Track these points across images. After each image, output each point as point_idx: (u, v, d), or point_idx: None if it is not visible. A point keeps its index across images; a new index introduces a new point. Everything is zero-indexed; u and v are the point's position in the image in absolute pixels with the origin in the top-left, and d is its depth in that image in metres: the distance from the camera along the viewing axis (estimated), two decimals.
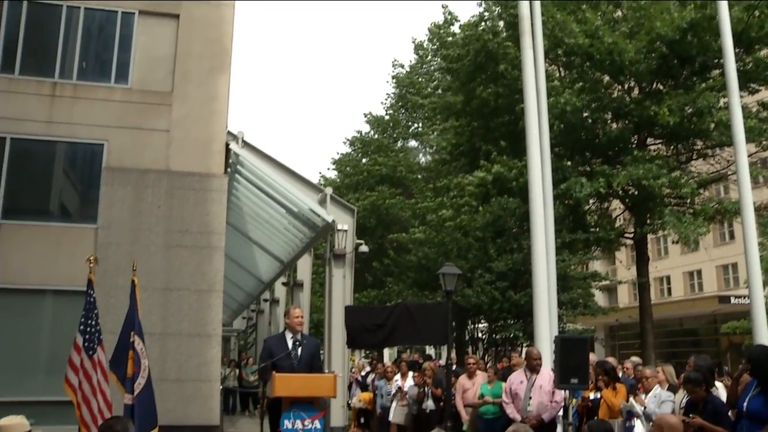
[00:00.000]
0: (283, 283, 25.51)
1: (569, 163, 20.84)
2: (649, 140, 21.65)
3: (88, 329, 7.06)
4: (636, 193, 20.75)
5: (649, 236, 23.27)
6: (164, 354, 13.47)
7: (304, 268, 22.68)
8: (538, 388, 9.30)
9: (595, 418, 8.79)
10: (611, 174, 19.17)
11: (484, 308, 19.79)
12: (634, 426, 8.35)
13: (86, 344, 6.99)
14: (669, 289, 42.05)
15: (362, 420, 15.95)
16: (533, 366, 9.52)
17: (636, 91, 21.45)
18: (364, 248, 17.67)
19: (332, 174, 37.85)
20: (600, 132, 21.10)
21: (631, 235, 22.31)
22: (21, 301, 14.01)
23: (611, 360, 10.87)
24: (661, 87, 20.71)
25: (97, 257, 7.69)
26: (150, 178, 14.56)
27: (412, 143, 36.71)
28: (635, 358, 11.93)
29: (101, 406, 6.83)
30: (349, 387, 16.94)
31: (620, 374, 10.16)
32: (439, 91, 29.92)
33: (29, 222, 14.33)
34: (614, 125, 21.30)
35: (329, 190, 17.03)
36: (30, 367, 13.75)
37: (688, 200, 20.57)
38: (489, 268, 19.92)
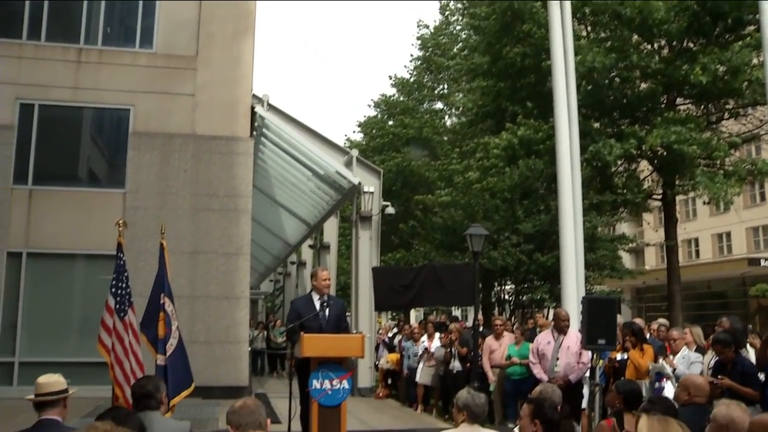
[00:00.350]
0: (310, 246, 25.64)
1: (597, 125, 20.55)
2: (679, 100, 21.25)
3: (119, 292, 7.15)
4: (665, 154, 20.44)
5: (678, 198, 22.98)
6: (193, 316, 13.67)
7: (331, 230, 22.75)
8: (566, 349, 9.28)
9: (622, 378, 8.77)
10: (641, 136, 18.85)
11: (510, 270, 19.75)
12: (664, 387, 8.30)
13: (117, 306, 7.09)
14: (697, 252, 41.65)
15: (389, 381, 16.10)
16: (561, 327, 9.50)
17: (666, 51, 21.00)
18: (390, 210, 17.64)
19: (358, 137, 37.75)
20: (628, 92, 20.73)
21: (660, 197, 22.05)
22: (54, 266, 14.27)
23: (638, 321, 10.82)
24: (692, 45, 20.25)
25: (126, 221, 7.75)
26: (176, 142, 14.64)
27: (438, 105, 36.44)
28: (662, 320, 11.86)
29: (133, 367, 6.94)
30: (376, 348, 17.07)
31: (647, 336, 10.10)
32: (465, 52, 29.54)
33: (59, 188, 14.53)
34: (643, 85, 20.92)
35: (355, 152, 16.97)
36: (64, 329, 14.05)
37: (719, 161, 20.22)
38: (516, 230, 19.84)
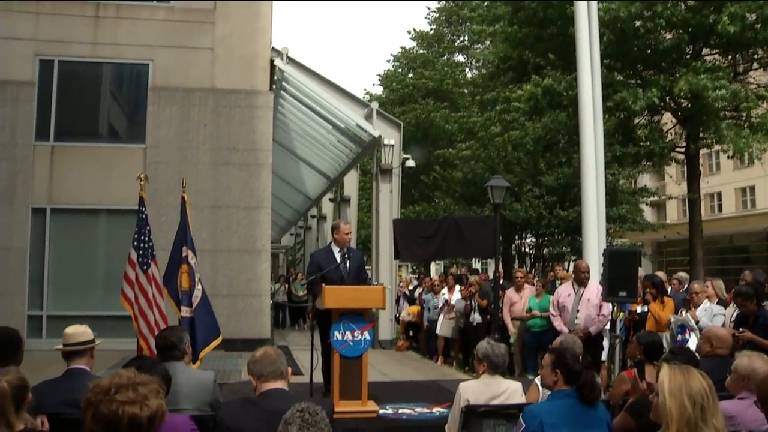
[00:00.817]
0: (330, 199, 25.68)
1: (620, 77, 20.21)
2: (705, 51, 20.80)
3: (142, 245, 7.20)
4: (689, 105, 20.09)
5: (701, 151, 22.66)
6: (215, 270, 13.81)
7: (351, 183, 22.75)
8: (586, 302, 9.28)
9: (643, 330, 8.78)
10: (667, 84, 18.48)
11: (531, 223, 19.71)
12: (688, 339, 8.29)
13: (140, 260, 7.15)
14: (720, 206, 41.18)
15: (410, 333, 16.23)
16: (581, 279, 9.49)
17: None
18: (410, 163, 17.57)
19: (377, 90, 37.50)
20: (653, 43, 20.31)
21: (683, 150, 21.75)
22: (77, 222, 14.44)
23: (660, 274, 10.77)
24: None
25: (147, 175, 7.79)
26: (196, 96, 14.63)
27: (459, 58, 36.03)
28: (683, 274, 11.80)
29: (157, 319, 7.03)
30: (397, 301, 17.17)
31: (668, 289, 10.07)
32: (486, 3, 29.06)
33: (80, 144, 14.63)
34: (668, 36, 20.47)
35: (375, 105, 16.85)
36: (89, 283, 14.27)
37: (745, 114, 19.84)
38: (538, 183, 19.75)
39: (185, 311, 7.14)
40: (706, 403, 3.04)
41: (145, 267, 7.14)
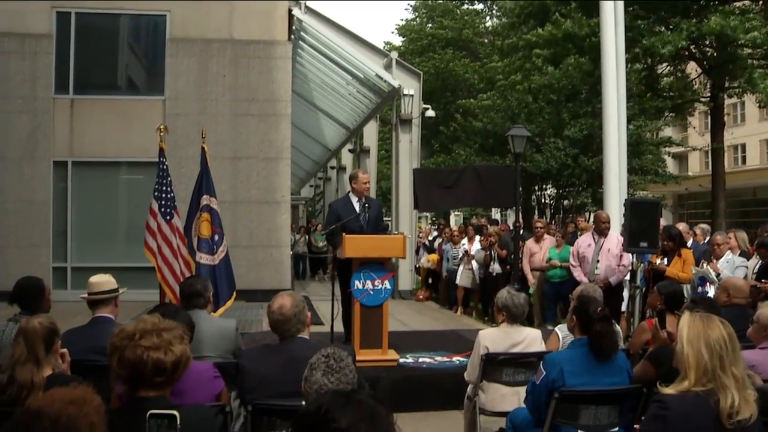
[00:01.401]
0: (350, 150, 25.61)
1: (644, 24, 19.76)
2: None
3: (163, 195, 7.22)
4: (716, 54, 19.66)
5: (727, 101, 22.24)
6: (235, 221, 13.88)
7: (371, 134, 22.65)
8: (606, 252, 9.24)
9: (664, 280, 8.73)
10: (694, 29, 17.97)
11: (553, 173, 19.55)
12: (707, 292, 8.23)
13: (162, 210, 7.17)
14: (744, 158, 40.58)
15: (429, 281, 16.29)
16: (601, 229, 9.44)
17: None
18: (430, 113, 17.44)
19: (396, 40, 37.07)
20: None
21: (707, 99, 21.37)
22: (98, 174, 14.53)
23: (682, 225, 10.65)
24: None
25: (167, 126, 7.78)
26: (214, 47, 14.53)
27: (478, 6, 35.43)
28: (704, 225, 11.69)
29: (182, 269, 7.09)
30: (417, 252, 17.21)
31: (690, 241, 9.96)
32: None
33: (99, 96, 14.62)
34: None
35: (395, 55, 16.68)
36: (111, 235, 14.42)
37: None
38: (561, 134, 19.52)
39: (205, 258, 7.20)
40: (725, 351, 3.02)
41: (168, 217, 7.17)
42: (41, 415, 1.54)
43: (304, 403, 2.78)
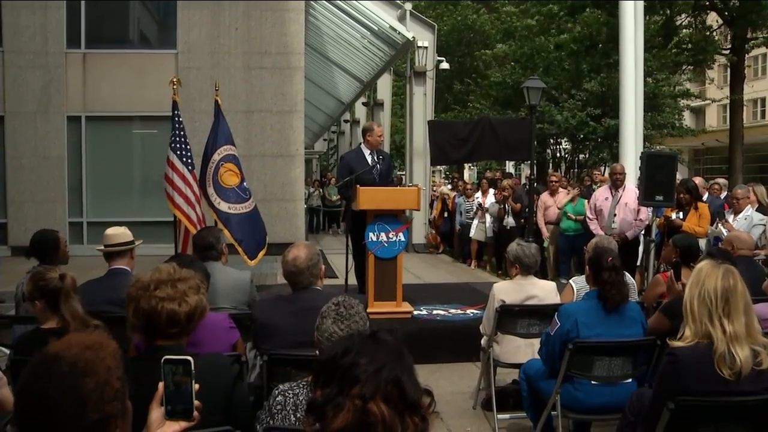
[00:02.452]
0: (363, 104, 25.46)
1: None
2: None
3: (180, 146, 7.22)
4: (738, 3, 19.22)
5: (747, 54, 21.83)
6: (249, 175, 13.72)
7: (384, 87, 22.47)
8: (623, 206, 9.19)
9: (679, 233, 8.66)
10: None
11: (571, 130, 19.36)
12: None
13: (184, 160, 7.19)
14: (763, 112, 39.93)
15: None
16: (615, 181, 9.38)
17: None
18: (445, 65, 17.27)
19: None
20: None
21: (727, 51, 20.96)
22: (112, 128, 14.55)
23: (698, 180, 10.51)
24: None
25: (180, 79, 7.74)
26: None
27: None
28: (722, 180, 11.55)
29: (200, 219, 7.17)
30: (431, 205, 17.18)
31: (705, 195, 9.86)
32: None
33: (112, 50, 14.54)
34: None
35: (408, 6, 16.44)
36: (126, 190, 14.49)
37: None
38: (579, 86, 19.24)
39: (235, 208, 7.24)
40: (712, 303, 3.04)
41: (190, 167, 7.19)
42: (59, 358, 1.56)
43: (317, 353, 2.79)
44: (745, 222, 8.24)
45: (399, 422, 1.55)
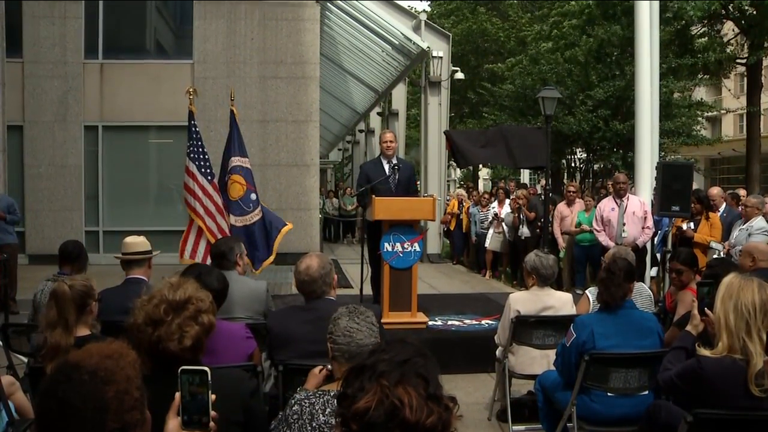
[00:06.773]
0: (378, 113, 25.50)
1: None
2: None
3: (198, 156, 7.25)
4: (754, 13, 19.12)
5: (764, 63, 21.69)
6: (264, 184, 13.91)
7: (399, 97, 22.51)
8: (631, 215, 9.15)
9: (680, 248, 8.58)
10: None
11: (584, 135, 19.37)
12: None
13: (203, 170, 7.22)
14: None
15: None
16: (618, 191, 9.35)
17: None
18: (459, 75, 17.27)
19: (425, 5, 36.57)
20: None
21: (744, 61, 20.85)
22: (128, 138, 14.63)
23: (716, 190, 10.37)
24: None
25: (196, 89, 7.79)
26: (242, 9, 14.45)
27: None
28: (742, 191, 11.41)
29: (225, 227, 7.20)
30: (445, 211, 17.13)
31: (722, 206, 9.75)
32: None
33: (129, 60, 14.65)
34: None
35: (423, 16, 16.51)
36: (142, 199, 14.57)
37: None
38: (589, 95, 19.31)
39: (238, 220, 7.25)
40: (752, 316, 3.00)
41: (209, 177, 7.22)
42: (80, 367, 1.57)
43: (330, 358, 2.77)
44: (745, 231, 8.08)
45: (425, 406, 1.57)
